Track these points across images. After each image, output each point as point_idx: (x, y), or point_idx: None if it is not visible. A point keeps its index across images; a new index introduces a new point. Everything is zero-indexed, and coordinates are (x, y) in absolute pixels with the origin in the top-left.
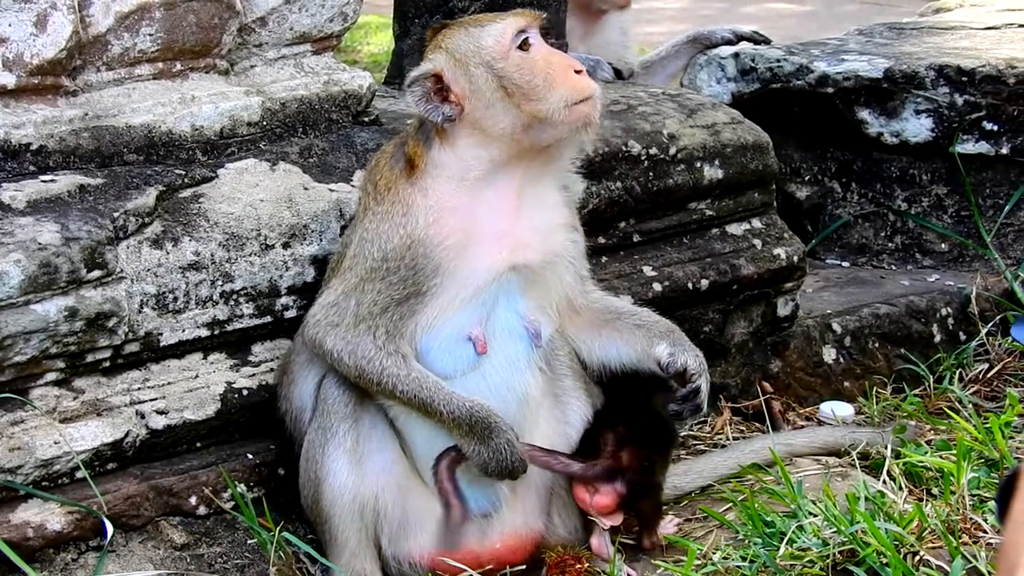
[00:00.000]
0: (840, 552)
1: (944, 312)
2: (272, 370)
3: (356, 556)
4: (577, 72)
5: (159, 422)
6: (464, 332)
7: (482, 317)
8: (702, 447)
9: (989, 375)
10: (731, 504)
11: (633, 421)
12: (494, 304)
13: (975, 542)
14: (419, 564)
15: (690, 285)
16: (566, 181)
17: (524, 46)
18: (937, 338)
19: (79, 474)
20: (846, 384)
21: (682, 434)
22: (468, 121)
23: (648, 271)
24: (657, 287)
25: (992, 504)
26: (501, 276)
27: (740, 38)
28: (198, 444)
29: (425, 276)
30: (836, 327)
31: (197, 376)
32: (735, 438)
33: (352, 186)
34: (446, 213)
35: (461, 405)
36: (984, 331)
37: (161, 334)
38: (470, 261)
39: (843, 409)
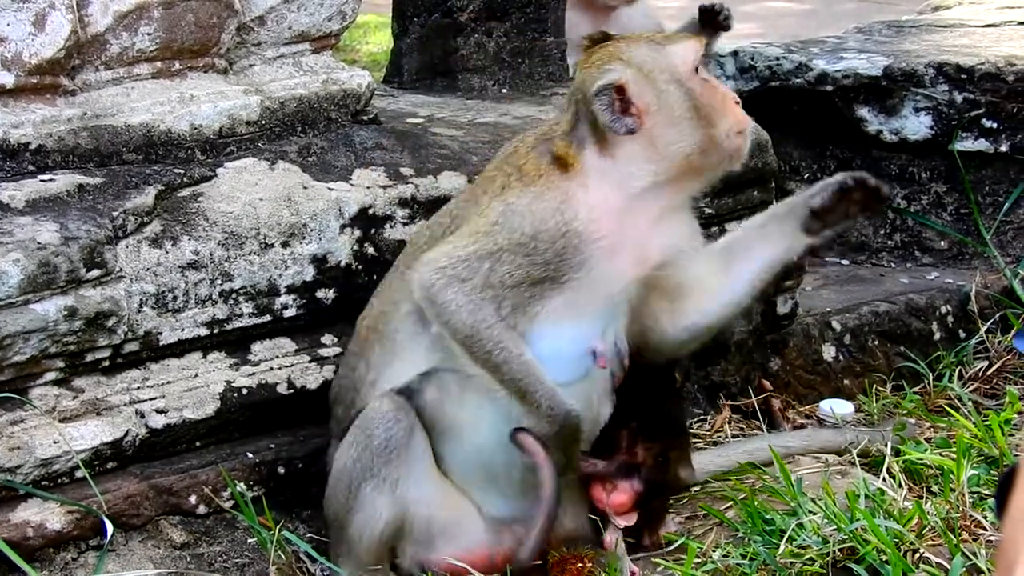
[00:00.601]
0: (840, 550)
1: (944, 310)
2: (272, 369)
3: (369, 569)
4: (736, 103)
5: (159, 421)
6: (587, 343)
7: (602, 330)
8: (701, 445)
9: (989, 373)
10: (731, 502)
11: (645, 418)
12: (610, 319)
13: (975, 539)
14: (438, 569)
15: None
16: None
17: (698, 69)
18: (937, 336)
19: (79, 473)
20: (846, 382)
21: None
22: (642, 135)
23: None
24: None
25: (992, 501)
26: (626, 288)
27: None
28: (198, 443)
29: (569, 267)
30: (836, 325)
31: (196, 375)
32: (735, 436)
33: (351, 185)
34: (604, 215)
35: (561, 406)
36: (984, 329)
37: (160, 333)
38: (610, 267)
39: (843, 407)
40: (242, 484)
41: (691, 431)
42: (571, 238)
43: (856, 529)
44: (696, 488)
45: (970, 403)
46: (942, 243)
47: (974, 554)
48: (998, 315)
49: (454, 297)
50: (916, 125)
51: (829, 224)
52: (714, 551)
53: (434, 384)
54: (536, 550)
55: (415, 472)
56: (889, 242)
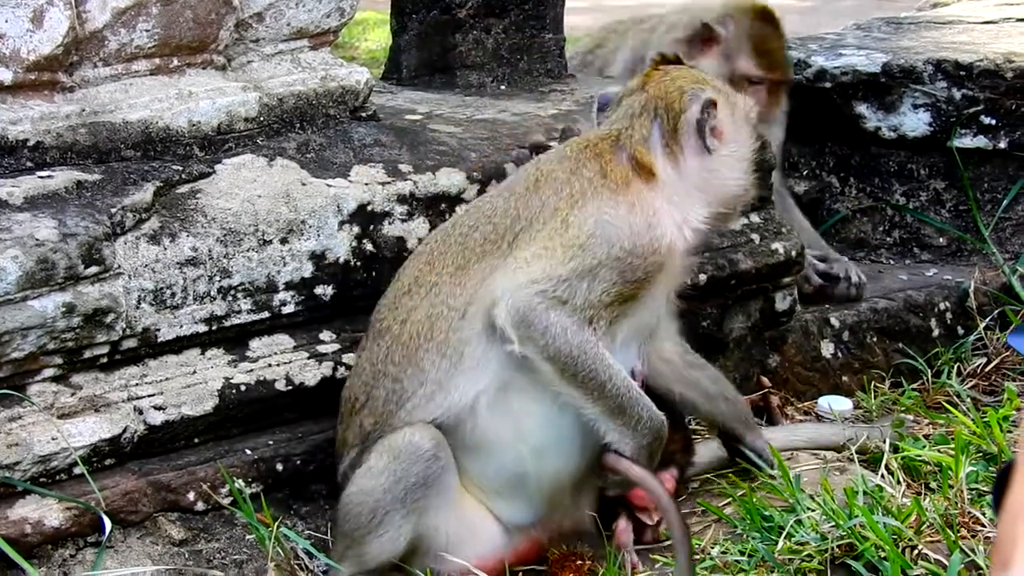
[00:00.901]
0: (838, 546)
1: (942, 306)
2: (271, 365)
3: (373, 572)
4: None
5: (157, 418)
6: (630, 362)
7: (639, 350)
8: (699, 441)
9: (987, 369)
10: (729, 499)
11: (664, 408)
12: (643, 341)
13: (973, 536)
14: (448, 573)
15: (688, 280)
16: None
17: None
18: (935, 332)
19: (77, 470)
20: (844, 378)
21: None
22: (711, 160)
23: None
24: None
25: (990, 498)
26: (661, 312)
27: None
28: (196, 440)
29: (650, 285)
30: (834, 322)
31: (195, 372)
32: None
33: (350, 182)
34: (683, 232)
35: (658, 416)
36: (982, 325)
37: (159, 330)
38: (665, 289)
39: (841, 403)
40: (240, 481)
41: (690, 427)
42: (659, 256)
43: (855, 526)
44: (695, 485)
45: (968, 400)
46: (941, 240)
47: (972, 550)
48: (996, 312)
49: (558, 319)
50: (915, 122)
51: None
52: (712, 547)
53: (487, 404)
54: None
55: (444, 503)
56: (888, 239)
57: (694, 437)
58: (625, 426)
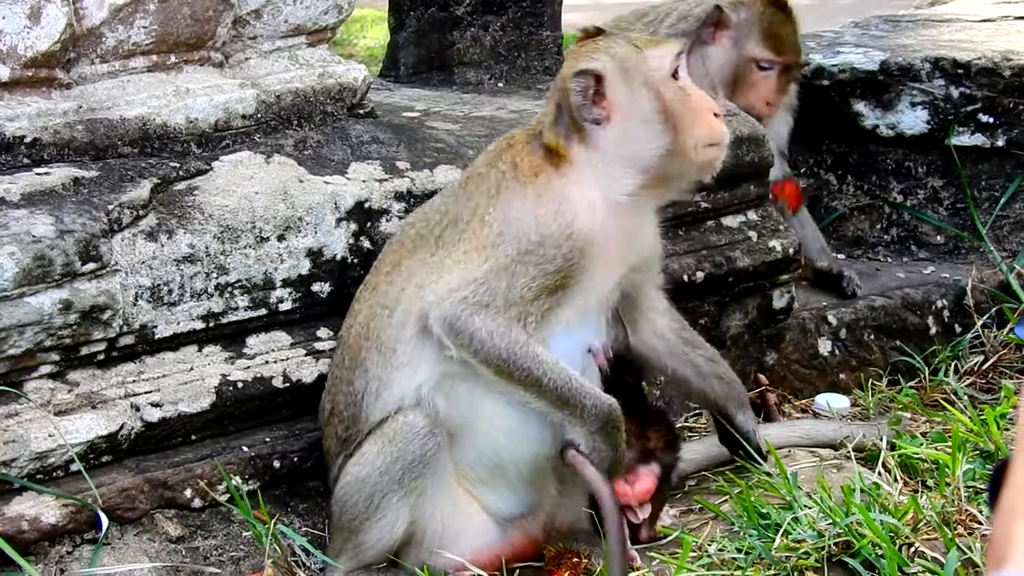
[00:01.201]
0: (835, 544)
1: (940, 304)
2: (267, 363)
3: (371, 568)
4: (716, 115)
5: (154, 415)
6: (585, 342)
7: (596, 328)
8: (696, 439)
9: (984, 367)
10: (726, 496)
11: (646, 403)
12: (600, 317)
13: (970, 533)
14: (447, 569)
15: (685, 277)
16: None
17: (675, 75)
18: (933, 330)
19: (74, 467)
20: (841, 376)
21: (677, 425)
22: (613, 130)
23: None
24: None
25: (986, 495)
26: (614, 287)
27: None
28: (193, 437)
29: (577, 270)
30: (831, 319)
31: (192, 368)
32: None
33: (347, 179)
34: (600, 214)
35: (603, 401)
36: (980, 323)
37: (156, 327)
38: (603, 268)
39: (838, 401)
40: (237, 478)
41: (687, 424)
42: (576, 240)
43: (851, 523)
44: (692, 483)
45: (966, 397)
46: (938, 238)
47: (969, 548)
48: (994, 310)
49: (483, 324)
50: (912, 120)
51: None
52: (709, 545)
53: (441, 392)
54: (623, 568)
55: (439, 485)
56: (885, 236)
57: (691, 435)
58: (572, 415)
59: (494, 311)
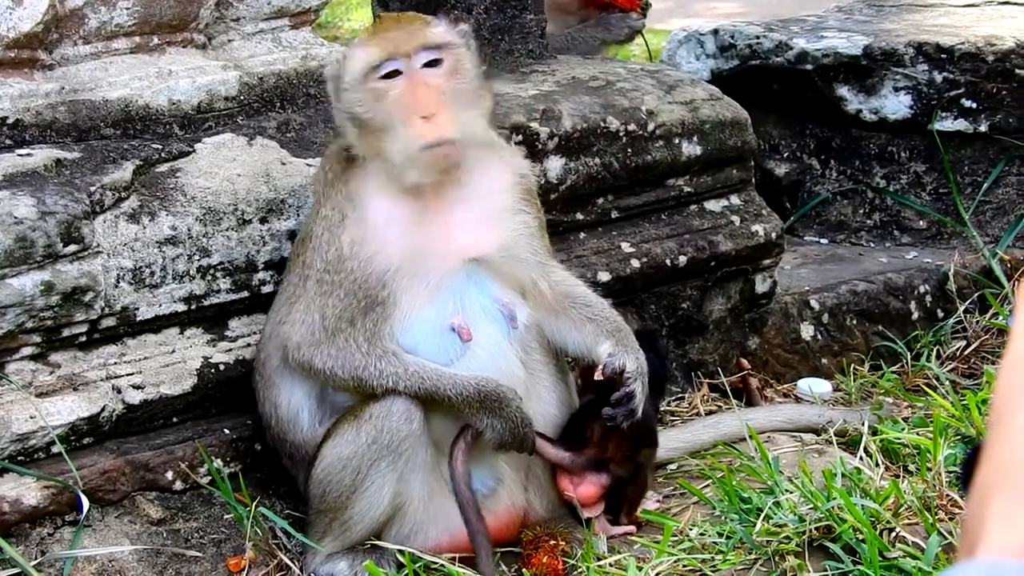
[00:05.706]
0: (816, 528)
1: (922, 289)
2: (250, 345)
3: (355, 548)
4: (423, 117)
5: (135, 397)
6: (445, 323)
7: (457, 307)
8: (678, 423)
9: (966, 352)
10: (708, 480)
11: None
12: (464, 292)
13: (951, 518)
14: (423, 550)
15: (668, 261)
16: (516, 169)
17: (391, 75)
18: (915, 315)
19: (55, 449)
20: (824, 361)
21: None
22: (349, 133)
23: (626, 247)
24: (635, 263)
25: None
26: (460, 269)
27: None
28: (174, 419)
29: (372, 288)
30: (814, 304)
31: (174, 351)
32: (710, 414)
33: None
34: (388, 218)
35: (467, 384)
36: (962, 308)
37: (138, 309)
38: (420, 262)
39: (820, 386)
40: (219, 460)
41: (669, 408)
42: (350, 262)
43: (832, 508)
44: (673, 467)
45: (947, 383)
46: (921, 223)
47: (950, 533)
48: (976, 295)
49: (323, 362)
50: (896, 105)
51: None
52: (691, 529)
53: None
54: (487, 562)
55: (419, 463)
56: (868, 221)
57: (672, 420)
58: (449, 407)
59: (326, 345)
